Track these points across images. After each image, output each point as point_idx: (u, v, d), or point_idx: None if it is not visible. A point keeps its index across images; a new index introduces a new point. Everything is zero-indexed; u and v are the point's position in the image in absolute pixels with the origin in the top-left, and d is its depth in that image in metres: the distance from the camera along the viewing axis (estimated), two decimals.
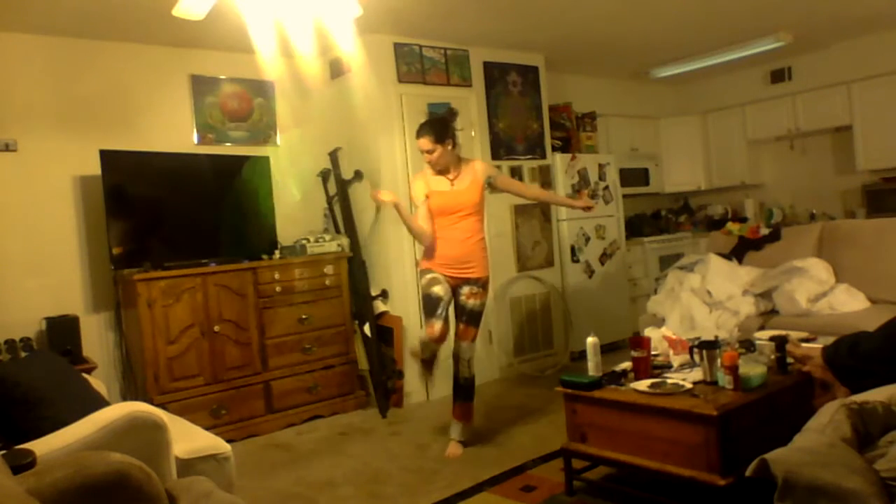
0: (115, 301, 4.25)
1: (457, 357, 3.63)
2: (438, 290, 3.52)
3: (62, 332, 3.83)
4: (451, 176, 3.60)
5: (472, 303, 3.59)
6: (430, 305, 3.53)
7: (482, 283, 3.63)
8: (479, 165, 3.70)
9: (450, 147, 3.55)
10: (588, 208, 3.93)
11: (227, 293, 4.14)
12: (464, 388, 3.65)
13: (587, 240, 5.74)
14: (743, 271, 4.38)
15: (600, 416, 2.79)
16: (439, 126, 3.57)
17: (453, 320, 3.62)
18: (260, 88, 4.91)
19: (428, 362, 3.67)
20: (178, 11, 2.91)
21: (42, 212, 4.09)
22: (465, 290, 3.59)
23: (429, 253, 3.62)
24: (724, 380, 2.56)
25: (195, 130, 4.65)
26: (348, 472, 3.43)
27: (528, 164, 5.42)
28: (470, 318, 3.60)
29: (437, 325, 3.46)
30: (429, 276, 3.58)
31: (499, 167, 5.21)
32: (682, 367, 2.91)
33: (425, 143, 3.53)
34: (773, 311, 4.10)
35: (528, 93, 5.48)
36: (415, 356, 3.65)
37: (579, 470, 2.92)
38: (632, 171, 6.58)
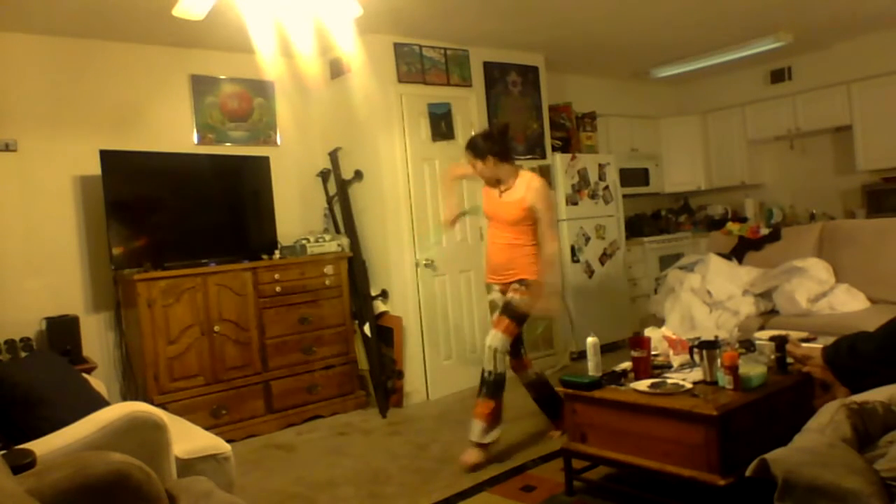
0: (115, 301, 4.25)
1: (488, 349, 3.47)
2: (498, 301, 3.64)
3: (62, 332, 3.83)
4: (502, 187, 3.59)
5: (511, 296, 3.50)
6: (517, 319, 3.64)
7: (527, 283, 3.51)
8: (534, 184, 3.53)
9: (491, 164, 3.54)
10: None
11: (227, 293, 4.14)
12: (486, 383, 3.44)
13: (587, 240, 5.73)
14: (743, 271, 4.38)
15: (600, 416, 2.79)
16: (477, 142, 3.59)
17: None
18: (260, 88, 4.91)
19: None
20: (178, 11, 2.91)
21: (42, 212, 4.09)
22: (512, 286, 3.53)
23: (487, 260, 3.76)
24: (724, 380, 2.56)
25: (195, 130, 4.65)
26: (348, 472, 3.43)
27: (528, 164, 5.40)
28: (505, 308, 3.50)
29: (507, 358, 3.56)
30: (489, 297, 3.77)
31: None
32: (682, 367, 2.91)
33: (468, 158, 3.62)
34: (773, 311, 4.10)
35: (528, 93, 5.47)
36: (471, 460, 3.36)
37: (579, 470, 2.92)
38: (632, 171, 6.58)
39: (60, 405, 2.27)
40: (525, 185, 3.55)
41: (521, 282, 3.51)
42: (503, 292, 3.59)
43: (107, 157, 3.98)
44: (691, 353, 2.92)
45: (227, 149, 4.72)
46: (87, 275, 4.23)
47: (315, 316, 4.46)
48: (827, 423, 1.71)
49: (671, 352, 2.98)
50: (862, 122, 5.79)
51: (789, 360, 2.69)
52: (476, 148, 3.57)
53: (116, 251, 4.00)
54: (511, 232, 3.55)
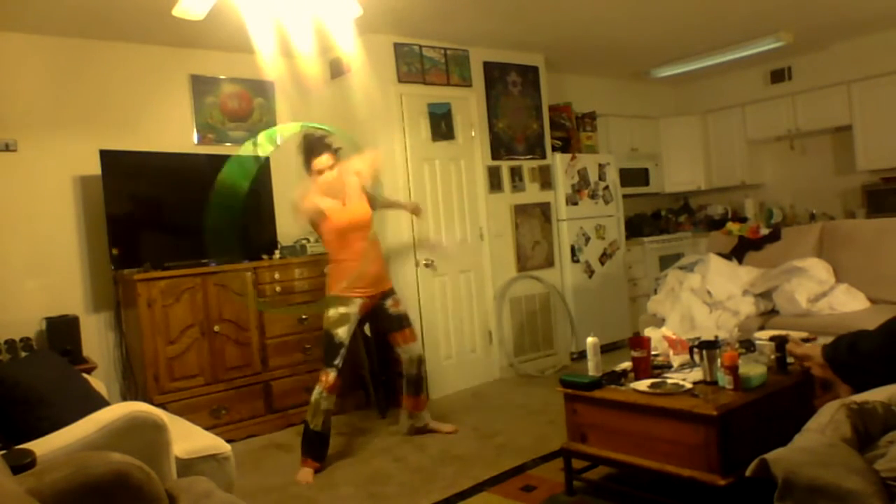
0: (115, 301, 4.25)
1: (419, 359, 3.77)
2: (344, 332, 3.48)
3: (62, 332, 3.82)
4: (339, 192, 3.55)
5: (401, 309, 3.73)
6: (332, 350, 3.47)
7: (395, 292, 3.76)
8: (355, 164, 3.56)
9: (335, 162, 3.53)
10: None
11: (227, 293, 4.14)
12: (417, 382, 3.80)
13: (587, 240, 5.74)
14: (743, 271, 4.38)
15: (600, 416, 2.79)
16: (326, 142, 3.52)
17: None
18: (260, 88, 4.91)
19: (323, 440, 3.49)
20: (178, 11, 2.91)
21: (42, 212, 4.09)
22: (389, 301, 3.69)
23: (342, 275, 3.51)
24: (724, 380, 2.56)
25: (195, 130, 4.65)
26: (348, 472, 3.43)
27: (527, 164, 5.42)
28: (407, 320, 3.74)
29: (333, 375, 3.46)
30: (342, 310, 3.48)
31: (498, 167, 5.23)
32: (682, 367, 2.91)
33: (328, 159, 3.48)
34: (773, 311, 4.10)
35: (528, 93, 5.48)
36: (306, 479, 3.35)
37: (579, 470, 2.92)
38: (632, 171, 6.58)
39: (60, 405, 2.27)
40: (349, 172, 3.54)
41: (393, 293, 3.70)
42: (375, 304, 3.60)
43: (107, 157, 3.98)
44: (691, 353, 2.92)
45: (227, 149, 4.72)
46: (87, 275, 4.23)
47: (315, 316, 4.45)
48: (827, 423, 1.71)
49: (671, 352, 2.98)
50: (862, 122, 5.79)
51: (789, 359, 2.69)
52: (330, 148, 3.50)
53: (116, 251, 3.99)
54: (372, 234, 3.60)
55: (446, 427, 3.89)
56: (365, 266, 3.52)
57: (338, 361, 3.48)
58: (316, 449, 3.46)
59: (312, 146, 3.51)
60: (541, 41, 5.21)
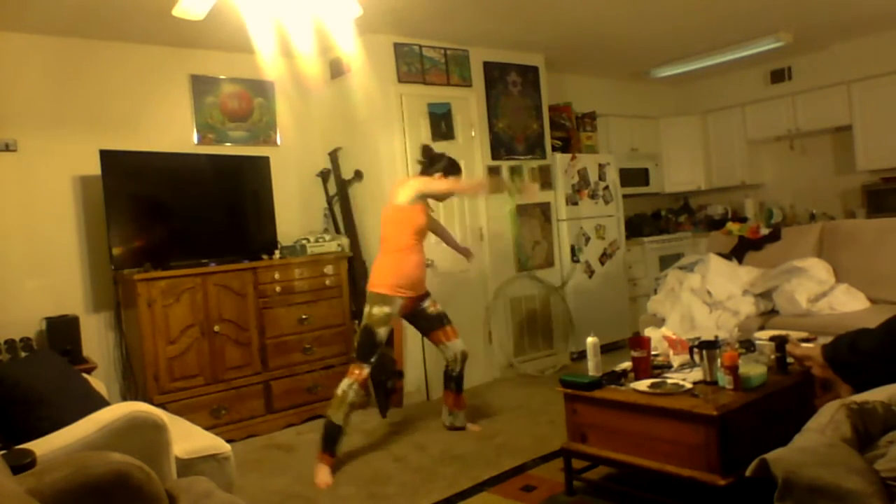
0: (115, 301, 4.25)
1: (464, 355, 3.86)
2: (384, 332, 3.53)
3: (62, 332, 3.82)
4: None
5: (439, 308, 3.80)
6: (370, 347, 3.50)
7: (430, 294, 3.80)
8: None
9: None
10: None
11: (227, 293, 4.14)
12: (459, 380, 3.89)
13: (587, 240, 5.74)
14: (743, 271, 4.38)
15: (600, 416, 2.79)
16: None
17: None
18: (260, 88, 4.91)
19: (341, 434, 3.44)
20: (178, 11, 2.91)
21: (42, 212, 4.09)
22: (427, 303, 3.75)
23: (396, 276, 3.53)
24: (724, 380, 2.56)
25: (195, 130, 4.65)
26: (348, 472, 3.43)
27: (527, 164, 5.42)
28: (447, 318, 3.81)
29: (367, 371, 3.50)
30: (386, 309, 3.50)
31: (498, 167, 5.23)
32: (682, 367, 2.91)
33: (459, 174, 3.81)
34: (773, 311, 4.10)
35: (528, 93, 5.47)
36: (324, 483, 3.30)
37: (579, 470, 2.92)
38: (632, 171, 6.58)
39: (60, 405, 2.27)
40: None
41: (430, 295, 3.78)
42: (414, 306, 3.68)
43: (107, 157, 3.98)
44: (691, 353, 2.92)
45: (227, 149, 4.72)
46: (87, 275, 4.23)
47: (315, 316, 4.46)
48: (827, 423, 1.71)
49: (671, 352, 2.98)
50: (862, 122, 5.79)
51: (789, 359, 2.69)
52: None
53: (116, 251, 3.99)
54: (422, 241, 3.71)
55: (475, 427, 3.94)
56: (417, 270, 3.61)
57: (374, 359, 3.53)
58: (335, 443, 3.45)
59: (456, 164, 3.76)
60: (541, 41, 5.21)
